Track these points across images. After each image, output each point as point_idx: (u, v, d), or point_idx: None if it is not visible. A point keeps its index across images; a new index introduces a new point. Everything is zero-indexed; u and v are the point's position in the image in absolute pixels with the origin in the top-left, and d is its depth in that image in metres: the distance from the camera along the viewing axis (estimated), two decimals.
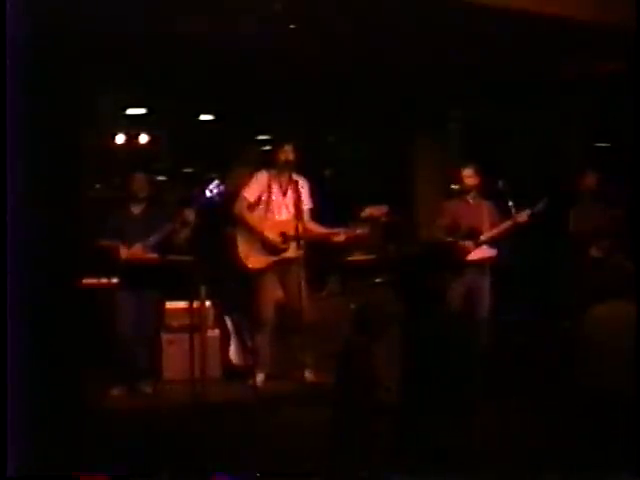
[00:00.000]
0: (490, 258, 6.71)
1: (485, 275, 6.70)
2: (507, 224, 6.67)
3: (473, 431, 4.57)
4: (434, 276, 6.81)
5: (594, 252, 6.95)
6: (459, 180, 6.85)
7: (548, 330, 6.95)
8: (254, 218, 6.23)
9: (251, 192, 6.26)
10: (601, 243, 6.93)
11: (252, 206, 6.25)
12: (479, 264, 6.69)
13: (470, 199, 6.81)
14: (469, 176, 6.78)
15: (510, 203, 6.63)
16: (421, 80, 8.06)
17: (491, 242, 6.71)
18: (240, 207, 6.24)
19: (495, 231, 6.69)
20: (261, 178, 6.29)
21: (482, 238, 6.68)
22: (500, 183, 6.70)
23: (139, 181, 6.41)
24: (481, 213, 6.77)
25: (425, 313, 6.66)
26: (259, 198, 6.25)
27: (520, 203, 6.66)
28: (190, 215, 6.13)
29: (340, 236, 6.21)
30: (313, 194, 6.37)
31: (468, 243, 6.66)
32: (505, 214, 6.70)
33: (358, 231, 6.16)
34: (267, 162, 6.39)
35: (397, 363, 4.34)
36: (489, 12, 6.28)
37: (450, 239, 6.70)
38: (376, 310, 4.49)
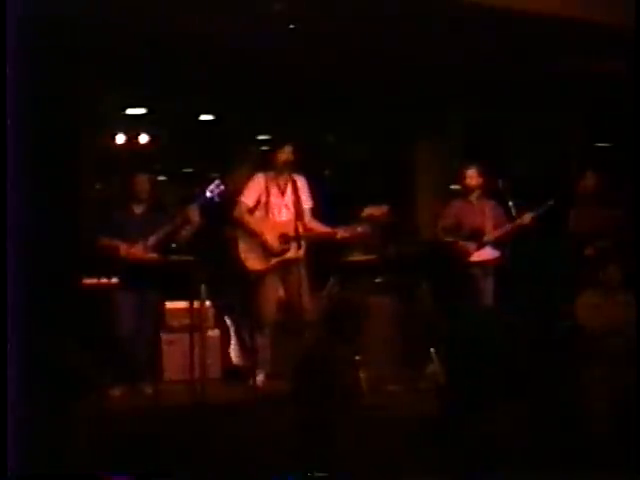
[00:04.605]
0: (494, 259, 6.70)
1: (488, 276, 6.69)
2: (510, 226, 6.65)
3: (469, 432, 4.58)
4: (436, 277, 6.84)
5: (595, 252, 6.94)
6: (462, 180, 6.84)
7: (548, 330, 6.95)
8: (254, 221, 6.22)
9: (249, 196, 6.25)
10: (602, 243, 6.93)
11: (251, 210, 6.25)
12: (482, 265, 6.68)
13: (473, 199, 6.81)
14: (472, 176, 6.77)
15: (510, 203, 6.63)
16: (421, 80, 8.06)
17: (494, 243, 6.70)
18: (239, 212, 6.24)
19: (498, 233, 6.68)
20: (258, 181, 6.28)
21: (485, 239, 6.68)
22: (500, 183, 6.70)
23: (140, 181, 6.41)
24: (484, 214, 6.76)
25: (427, 314, 6.71)
26: (258, 201, 6.25)
27: (520, 204, 6.66)
28: (195, 214, 6.12)
29: (341, 233, 6.19)
30: (313, 193, 6.37)
31: (471, 244, 6.66)
32: (508, 214, 6.70)
33: (359, 229, 6.15)
34: (266, 163, 6.38)
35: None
36: (489, 12, 6.28)
37: (453, 240, 6.70)
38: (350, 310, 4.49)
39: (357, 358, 5.19)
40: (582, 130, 9.35)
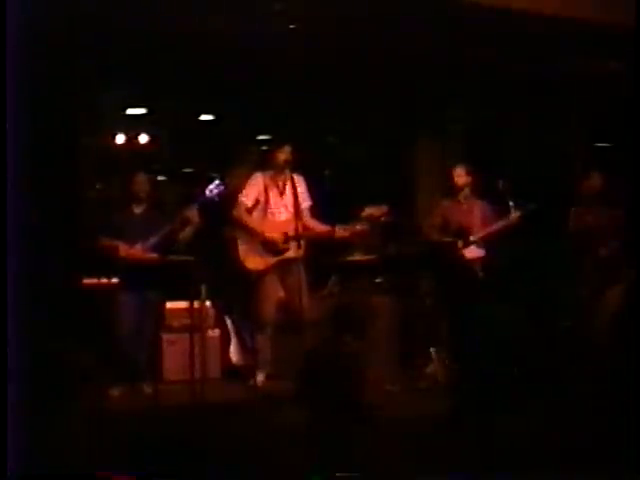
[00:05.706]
0: (481, 258, 6.70)
1: (476, 274, 6.68)
2: (496, 225, 6.66)
3: (469, 432, 4.58)
4: (425, 276, 6.85)
5: (595, 252, 6.94)
6: (450, 179, 6.87)
7: (545, 330, 6.95)
8: (253, 221, 6.23)
9: (248, 196, 6.25)
10: (602, 243, 6.92)
11: (250, 209, 6.25)
12: (471, 264, 6.68)
13: (462, 199, 6.81)
14: (460, 175, 6.80)
15: (511, 203, 6.63)
16: (421, 80, 8.06)
17: (481, 242, 6.70)
18: (239, 212, 6.24)
19: (484, 232, 6.68)
20: (256, 181, 6.28)
21: (471, 238, 6.68)
22: (500, 183, 6.70)
23: (140, 181, 6.42)
24: (472, 213, 6.76)
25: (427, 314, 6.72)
26: (257, 201, 6.25)
27: (520, 204, 6.65)
28: (194, 215, 6.14)
29: (340, 232, 6.19)
30: (312, 193, 6.37)
31: (457, 243, 6.66)
32: (504, 214, 6.70)
33: (358, 227, 6.15)
34: (265, 162, 6.39)
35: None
36: (489, 12, 6.28)
37: (439, 239, 6.71)
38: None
39: (357, 357, 5.19)
40: (582, 130, 9.34)
